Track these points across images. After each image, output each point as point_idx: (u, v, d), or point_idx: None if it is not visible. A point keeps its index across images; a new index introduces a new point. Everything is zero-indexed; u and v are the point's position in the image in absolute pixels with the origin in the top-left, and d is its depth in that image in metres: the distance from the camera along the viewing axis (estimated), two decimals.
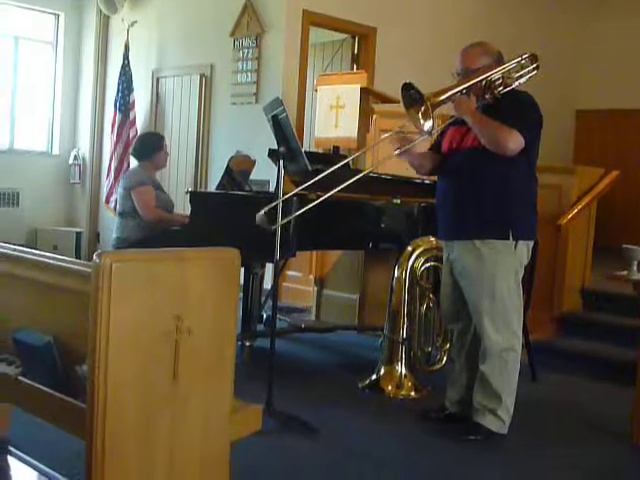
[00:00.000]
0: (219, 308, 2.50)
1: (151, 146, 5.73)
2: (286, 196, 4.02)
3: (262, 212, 3.89)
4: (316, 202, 3.95)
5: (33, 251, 2.75)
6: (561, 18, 9.50)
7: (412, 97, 3.66)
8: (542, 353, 5.33)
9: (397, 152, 3.92)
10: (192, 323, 2.39)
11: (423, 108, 3.63)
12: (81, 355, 2.37)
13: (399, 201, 5.23)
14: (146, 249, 2.78)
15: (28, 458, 3.15)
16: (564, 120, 9.64)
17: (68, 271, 2.48)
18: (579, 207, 5.86)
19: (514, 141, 3.69)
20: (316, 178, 3.95)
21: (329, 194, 3.93)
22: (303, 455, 3.66)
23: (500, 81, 3.85)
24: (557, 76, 8.63)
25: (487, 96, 3.83)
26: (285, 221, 4.00)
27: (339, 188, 3.88)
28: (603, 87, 9.48)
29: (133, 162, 8.28)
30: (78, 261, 2.56)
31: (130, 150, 6.17)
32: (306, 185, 3.98)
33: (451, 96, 3.72)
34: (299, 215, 4.06)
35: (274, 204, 3.95)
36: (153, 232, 5.36)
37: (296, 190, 4.05)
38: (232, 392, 2.59)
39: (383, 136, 4.13)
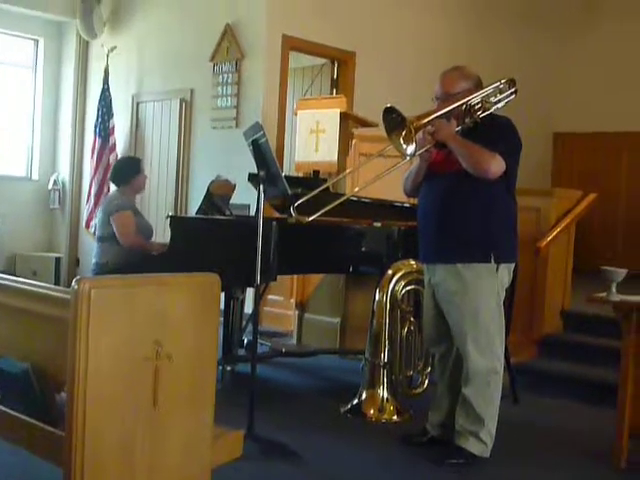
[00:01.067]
0: (199, 333, 2.49)
1: (129, 170, 5.72)
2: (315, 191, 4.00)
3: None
4: (326, 209, 3.92)
5: (10, 277, 2.74)
6: (539, 41, 9.60)
7: (394, 121, 3.67)
8: (523, 375, 5.33)
9: (422, 149, 3.86)
10: (172, 349, 2.38)
11: (405, 132, 3.64)
12: (60, 382, 2.35)
13: (379, 224, 5.24)
14: (125, 274, 2.76)
15: None
16: (542, 143, 9.73)
17: (46, 297, 2.47)
18: (558, 229, 5.89)
19: (496, 165, 3.72)
20: (301, 200, 3.94)
21: (312, 218, 3.92)
22: None
23: (479, 105, 3.88)
24: (535, 99, 8.70)
25: (467, 120, 3.85)
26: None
27: (322, 211, 3.89)
28: (580, 110, 9.58)
29: (113, 187, 8.30)
30: (56, 287, 2.55)
31: (108, 176, 6.15)
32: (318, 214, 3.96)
33: (433, 120, 3.74)
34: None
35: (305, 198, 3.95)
36: (132, 257, 5.34)
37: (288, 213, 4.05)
38: (212, 418, 2.57)
39: (369, 157, 4.12)
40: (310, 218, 3.92)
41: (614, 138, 9.38)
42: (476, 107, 3.87)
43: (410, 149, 3.67)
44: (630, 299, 4.01)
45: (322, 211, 3.88)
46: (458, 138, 3.78)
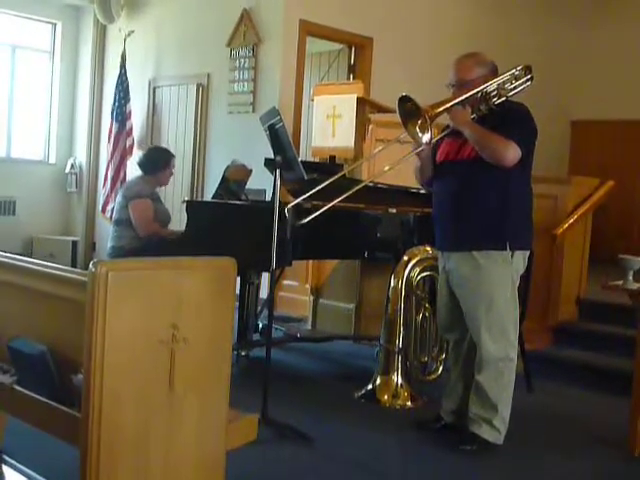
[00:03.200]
0: (215, 317, 2.50)
1: (160, 162, 5.67)
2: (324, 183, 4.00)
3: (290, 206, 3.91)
4: (321, 210, 3.94)
5: (29, 259, 2.75)
6: (557, 28, 9.54)
7: (409, 110, 3.66)
8: (538, 363, 5.32)
9: (417, 149, 3.88)
10: (188, 332, 2.39)
11: (421, 121, 3.63)
12: (77, 364, 2.37)
13: (395, 210, 5.24)
14: (142, 258, 2.78)
15: (23, 467, 3.14)
16: (559, 130, 9.67)
17: (64, 280, 2.48)
18: (575, 217, 5.87)
19: (512, 153, 3.70)
20: (317, 188, 3.94)
21: (329, 205, 3.93)
22: (298, 464, 3.65)
23: (495, 92, 3.86)
24: (552, 86, 8.65)
25: (482, 107, 3.83)
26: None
27: (339, 199, 3.89)
28: (598, 98, 9.52)
29: (130, 171, 8.33)
30: (74, 270, 2.56)
31: (137, 160, 6.07)
32: (310, 194, 3.98)
33: (449, 108, 3.73)
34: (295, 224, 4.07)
35: (302, 198, 3.96)
36: (149, 241, 5.35)
37: (298, 200, 4.06)
38: (228, 401, 2.59)
39: (379, 147, 4.11)
40: (303, 221, 3.93)
41: (632, 126, 9.31)
42: (492, 94, 3.85)
43: (426, 137, 3.66)
44: None
45: (338, 199, 3.89)
46: (474, 125, 3.76)
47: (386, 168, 3.94)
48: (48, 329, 2.58)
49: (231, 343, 2.62)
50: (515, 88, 3.94)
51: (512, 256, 3.83)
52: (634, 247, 7.32)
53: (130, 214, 5.41)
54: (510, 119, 3.80)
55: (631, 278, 4.13)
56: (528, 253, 3.96)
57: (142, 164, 5.77)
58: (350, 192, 3.94)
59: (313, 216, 3.91)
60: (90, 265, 2.22)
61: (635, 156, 9.40)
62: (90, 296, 2.21)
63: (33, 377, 2.57)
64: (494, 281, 3.82)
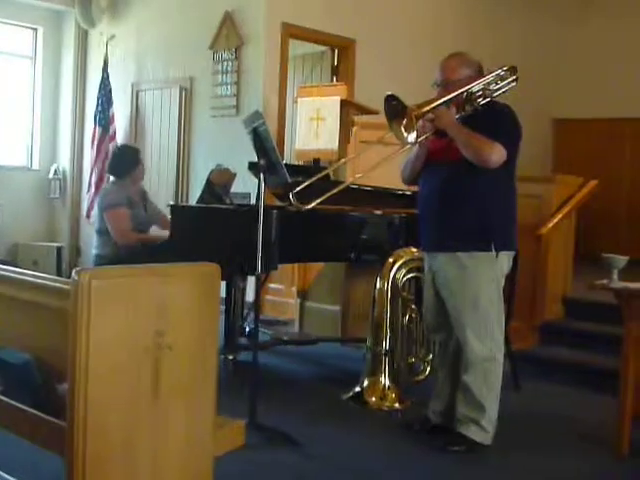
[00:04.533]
0: (200, 323, 2.49)
1: (129, 162, 5.64)
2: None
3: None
4: (328, 194, 3.92)
5: (10, 268, 2.73)
6: (540, 27, 9.57)
7: (395, 109, 3.66)
8: (524, 362, 5.33)
9: (419, 139, 3.84)
10: (173, 339, 2.37)
11: (406, 120, 3.63)
12: (62, 373, 2.35)
13: (380, 212, 5.24)
14: (125, 265, 2.76)
15: (10, 478, 3.12)
16: (542, 129, 9.71)
17: (47, 288, 2.46)
18: (559, 216, 5.89)
19: (496, 154, 3.71)
20: (299, 187, 3.94)
21: (311, 205, 3.93)
22: (287, 469, 3.64)
23: (480, 93, 3.86)
24: (534, 85, 8.67)
25: (467, 107, 3.84)
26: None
27: (321, 199, 3.89)
28: (580, 96, 9.56)
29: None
30: (57, 278, 2.54)
31: (107, 167, 6.03)
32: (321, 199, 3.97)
33: (434, 108, 3.73)
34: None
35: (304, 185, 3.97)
36: (133, 248, 5.32)
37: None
38: (214, 408, 2.57)
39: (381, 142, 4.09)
40: (309, 206, 3.92)
41: (616, 124, 9.36)
42: (477, 94, 3.85)
43: (411, 137, 3.66)
44: (631, 286, 4.00)
45: (322, 198, 3.88)
46: (459, 126, 3.77)
47: (376, 162, 3.91)
48: (32, 338, 2.56)
49: (217, 349, 2.61)
50: (500, 89, 3.95)
51: (497, 257, 3.84)
52: (620, 245, 7.35)
53: (107, 224, 5.36)
54: (495, 120, 3.81)
55: (616, 277, 4.14)
56: (513, 254, 3.97)
57: (113, 169, 5.72)
58: (337, 190, 3.93)
59: (318, 201, 3.89)
60: (73, 273, 2.20)
61: (618, 154, 9.46)
62: (73, 305, 2.19)
63: (18, 387, 2.55)
64: (479, 282, 3.82)
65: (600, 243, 7.35)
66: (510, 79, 3.98)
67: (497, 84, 3.94)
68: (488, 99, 3.88)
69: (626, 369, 3.97)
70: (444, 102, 3.76)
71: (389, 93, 3.67)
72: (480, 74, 3.91)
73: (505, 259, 3.90)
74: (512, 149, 3.79)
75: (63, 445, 2.26)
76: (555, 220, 5.85)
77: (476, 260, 3.82)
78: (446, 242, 3.87)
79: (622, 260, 4.19)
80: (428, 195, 3.98)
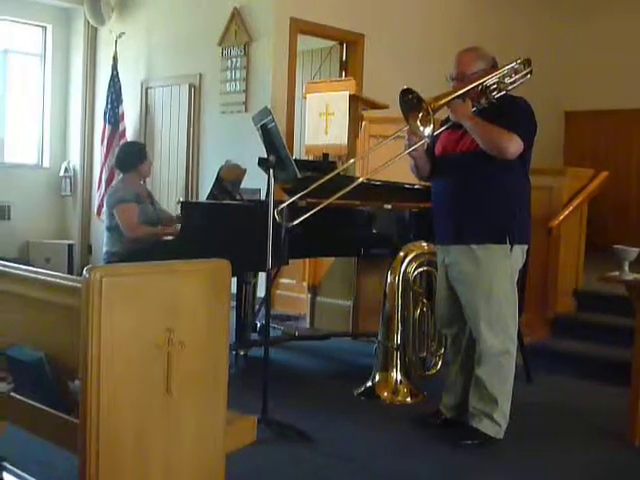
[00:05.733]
0: (211, 319, 2.49)
1: (135, 157, 5.65)
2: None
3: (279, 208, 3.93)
4: (319, 207, 3.93)
5: (22, 266, 2.74)
6: (549, 20, 9.53)
7: (410, 102, 3.65)
8: (536, 355, 5.33)
9: (409, 149, 3.88)
10: (184, 335, 2.38)
11: (423, 113, 3.63)
12: (74, 370, 2.36)
13: (390, 207, 5.23)
14: (136, 262, 2.77)
15: (24, 474, 3.13)
16: (553, 122, 9.66)
17: (58, 286, 2.47)
18: (570, 208, 5.87)
19: (514, 145, 3.71)
20: (312, 186, 3.94)
21: (325, 203, 3.93)
22: (299, 464, 3.64)
23: (495, 86, 3.87)
24: (545, 78, 8.61)
25: (482, 100, 3.84)
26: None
27: (335, 197, 3.89)
28: (591, 88, 9.51)
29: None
30: (68, 276, 2.55)
31: (113, 163, 6.06)
32: (303, 193, 3.98)
33: (451, 101, 3.73)
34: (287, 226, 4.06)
35: (289, 202, 3.98)
36: (143, 245, 5.33)
37: (293, 198, 4.05)
38: (226, 404, 2.58)
39: (389, 139, 4.07)
40: (295, 222, 3.94)
41: (626, 116, 9.31)
42: (492, 88, 3.86)
43: (427, 130, 3.66)
44: None
45: (308, 214, 3.92)
46: (475, 118, 3.76)
47: (389, 159, 3.91)
48: (45, 336, 2.58)
49: (228, 345, 2.61)
50: (515, 82, 3.95)
51: (511, 250, 3.83)
52: (630, 237, 7.32)
53: (117, 220, 5.38)
54: (512, 112, 3.81)
55: (627, 269, 4.13)
56: (527, 247, 3.96)
57: (119, 164, 5.74)
58: (345, 190, 3.93)
59: (303, 218, 3.92)
60: (84, 271, 2.21)
61: (629, 146, 9.41)
62: (84, 302, 2.20)
63: (30, 384, 2.57)
64: (493, 275, 3.82)
65: (611, 235, 7.32)
66: (524, 72, 3.99)
67: (512, 77, 3.94)
68: (503, 92, 3.88)
69: (638, 360, 3.96)
70: (460, 95, 3.76)
71: (405, 87, 3.66)
72: (495, 68, 3.91)
73: (519, 252, 3.89)
74: (529, 141, 3.78)
75: (75, 442, 2.28)
76: (566, 212, 5.82)
77: (490, 253, 3.81)
78: (460, 235, 3.87)
79: (633, 252, 4.18)
80: (442, 188, 3.97)
